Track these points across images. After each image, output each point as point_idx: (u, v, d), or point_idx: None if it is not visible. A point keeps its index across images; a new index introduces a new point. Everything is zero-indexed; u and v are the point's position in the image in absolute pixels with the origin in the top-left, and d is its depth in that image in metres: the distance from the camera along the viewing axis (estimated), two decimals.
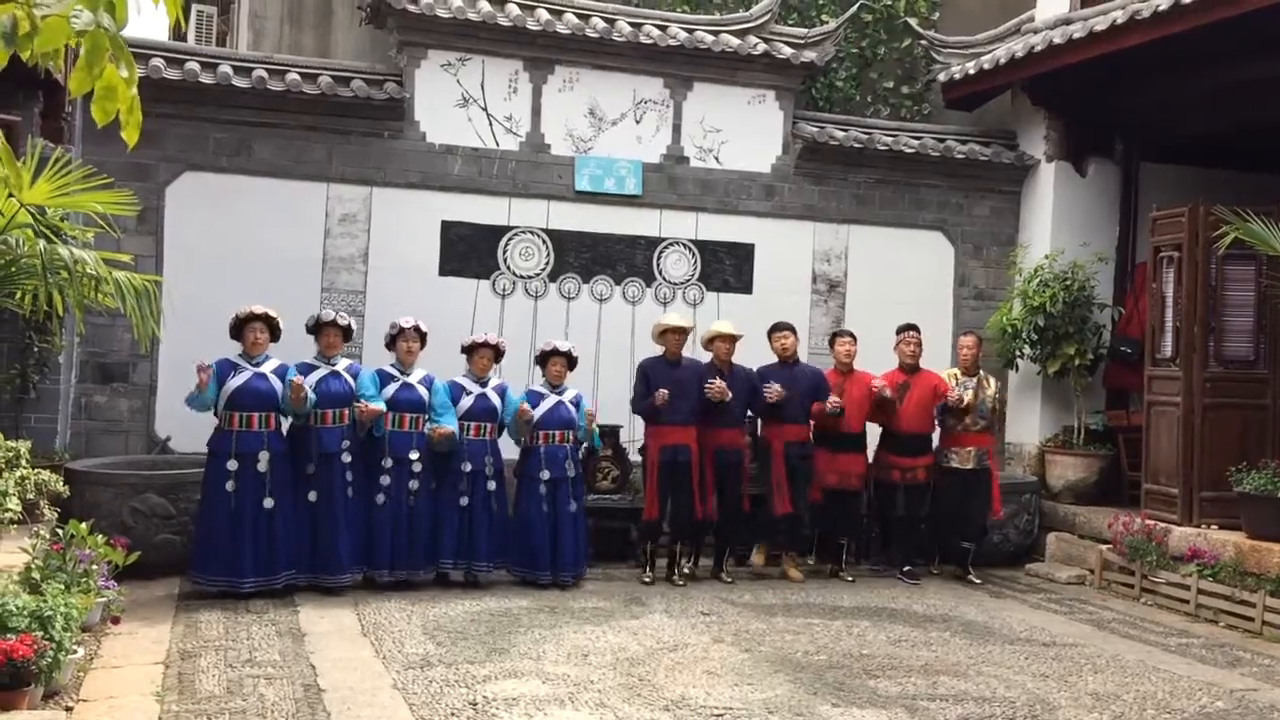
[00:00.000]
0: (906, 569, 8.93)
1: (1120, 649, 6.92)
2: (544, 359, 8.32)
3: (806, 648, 6.58)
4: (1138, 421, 9.61)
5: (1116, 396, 10.65)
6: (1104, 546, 9.00)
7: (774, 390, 8.39)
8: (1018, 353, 10.30)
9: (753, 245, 10.33)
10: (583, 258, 9.91)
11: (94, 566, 5.86)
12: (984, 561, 9.20)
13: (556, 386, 8.24)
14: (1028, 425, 10.63)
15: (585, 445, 8.43)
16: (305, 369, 7.63)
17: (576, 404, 8.23)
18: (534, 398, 8.16)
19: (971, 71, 10.72)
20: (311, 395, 7.37)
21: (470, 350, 8.12)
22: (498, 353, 8.19)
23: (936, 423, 9.07)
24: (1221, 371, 8.68)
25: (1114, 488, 10.08)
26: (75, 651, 5.08)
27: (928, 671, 6.18)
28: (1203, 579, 7.96)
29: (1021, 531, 9.69)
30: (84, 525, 6.00)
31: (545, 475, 7.96)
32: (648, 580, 8.23)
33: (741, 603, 7.79)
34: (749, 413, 8.73)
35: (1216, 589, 7.85)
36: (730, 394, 8.26)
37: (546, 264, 9.81)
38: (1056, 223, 10.65)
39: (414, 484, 7.73)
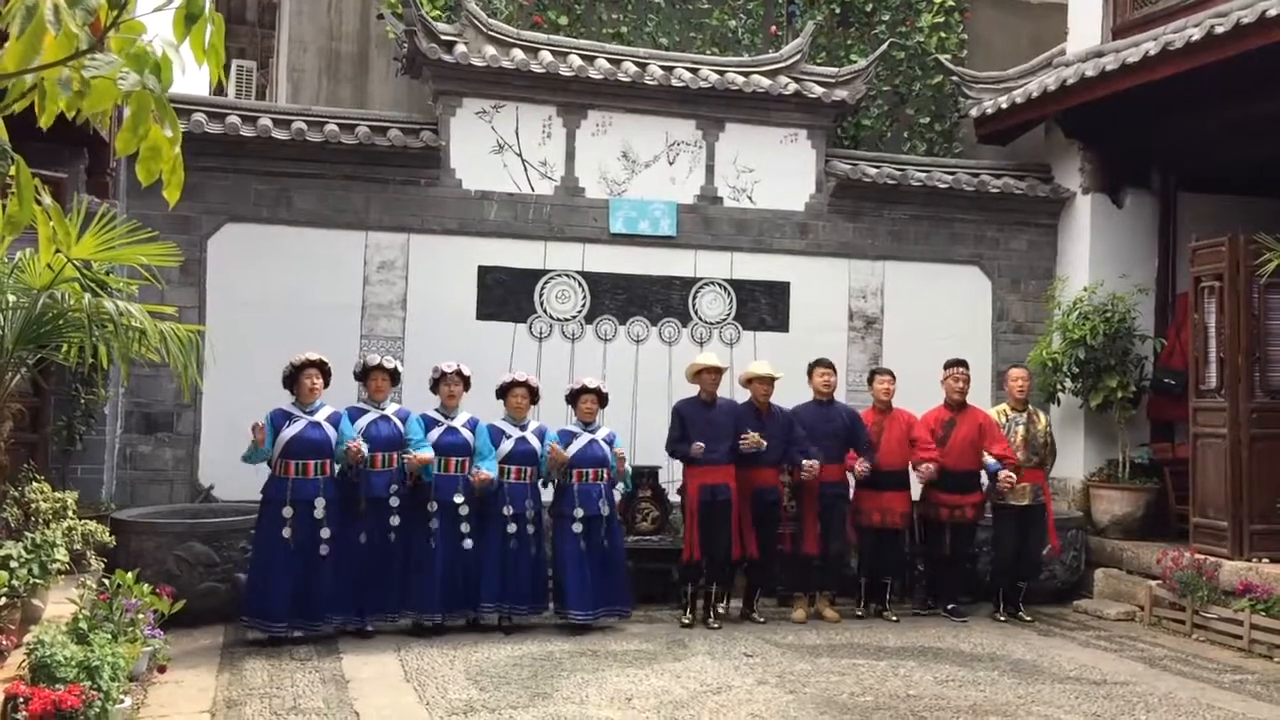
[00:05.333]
0: (951, 606, 8.83)
1: (1173, 687, 6.79)
2: (574, 397, 8.30)
3: (852, 689, 6.50)
4: (1183, 454, 9.48)
5: (1161, 429, 10.52)
6: (1153, 582, 8.85)
7: (751, 439, 8.20)
8: (1059, 386, 10.21)
9: (788, 283, 10.34)
10: (619, 299, 9.96)
11: (140, 616, 5.92)
12: (1031, 599, 9.06)
13: (589, 424, 8.24)
14: (1071, 459, 10.50)
15: (621, 488, 8.38)
16: (355, 413, 7.71)
17: (610, 442, 8.21)
18: (566, 437, 8.15)
19: (1004, 106, 10.71)
20: (366, 454, 7.43)
21: (505, 391, 8.13)
22: (533, 392, 8.17)
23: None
24: (1268, 402, 8.55)
25: (1161, 522, 9.94)
26: (122, 701, 5.11)
27: (976, 712, 6.08)
28: (1255, 614, 7.81)
29: (1068, 568, 9.54)
30: (130, 575, 6.07)
31: (579, 513, 7.93)
32: (686, 622, 8.18)
33: (785, 643, 7.72)
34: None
35: (1270, 624, 7.70)
36: (765, 443, 8.22)
37: (583, 306, 9.87)
38: (1094, 255, 10.59)
39: (463, 527, 7.76)
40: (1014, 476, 8.63)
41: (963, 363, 9.08)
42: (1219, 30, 8.32)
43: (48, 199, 2.93)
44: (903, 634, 8.17)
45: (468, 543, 7.74)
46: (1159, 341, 10.37)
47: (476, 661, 6.95)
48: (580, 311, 9.87)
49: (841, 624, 8.43)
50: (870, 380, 9.17)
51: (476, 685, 6.36)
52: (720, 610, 8.36)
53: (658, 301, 10.05)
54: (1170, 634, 8.41)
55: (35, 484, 6.68)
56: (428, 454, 7.61)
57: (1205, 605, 8.22)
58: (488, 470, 7.76)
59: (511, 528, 7.84)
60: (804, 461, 8.30)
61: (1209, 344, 8.85)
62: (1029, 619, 8.78)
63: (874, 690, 6.49)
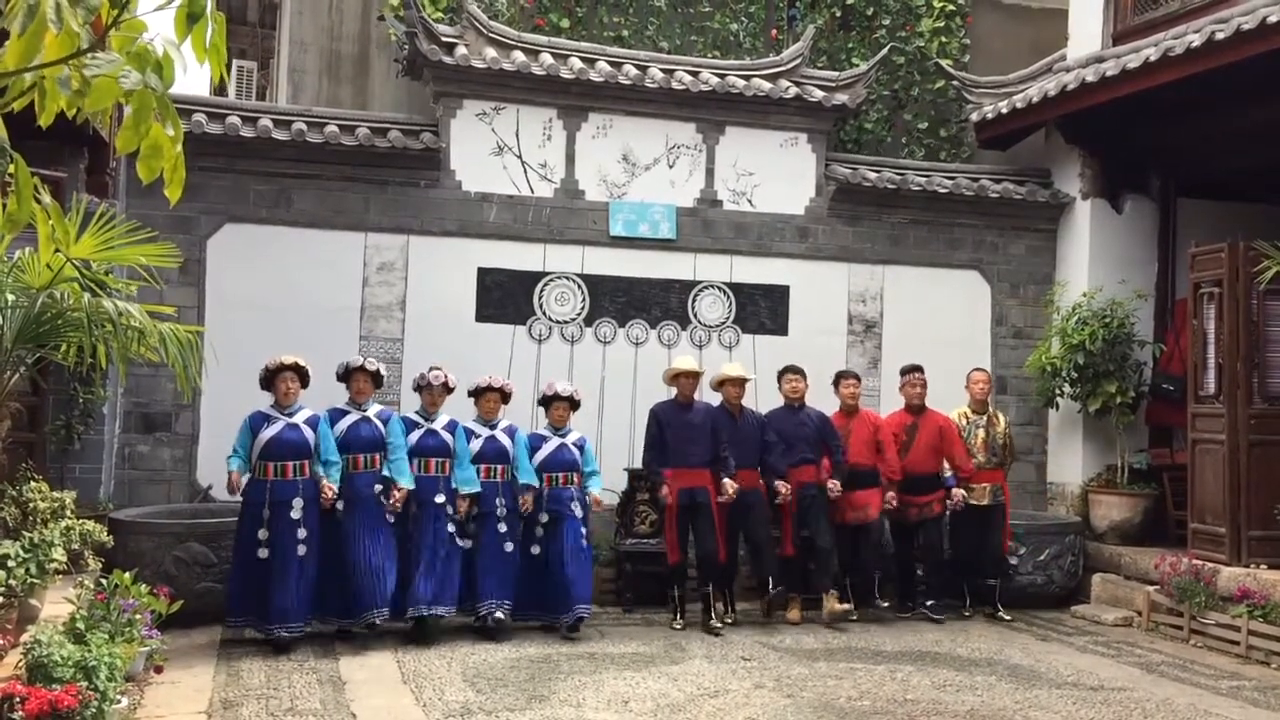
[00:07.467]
0: (930, 603, 8.87)
1: (1170, 693, 6.79)
2: (547, 403, 8.34)
3: (849, 693, 6.50)
4: (1182, 460, 9.48)
5: (1159, 434, 10.52)
6: (1151, 588, 8.85)
7: (784, 493, 8.41)
8: (1058, 391, 10.21)
9: (788, 287, 10.34)
10: (618, 302, 9.95)
11: (137, 616, 5.90)
12: (1028, 603, 9.08)
13: (559, 429, 8.26)
14: (1070, 465, 10.51)
15: (597, 481, 8.34)
16: (336, 415, 7.72)
17: (580, 446, 8.24)
18: (536, 440, 8.19)
19: (1004, 110, 10.72)
20: (334, 497, 7.43)
21: (477, 394, 8.15)
22: (504, 396, 8.21)
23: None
24: (1266, 408, 8.55)
25: (1160, 527, 9.94)
26: (119, 701, 5.10)
27: (973, 717, 6.08)
28: (1253, 620, 7.81)
29: (1066, 573, 9.54)
30: (127, 575, 6.06)
31: (544, 518, 7.97)
32: (678, 627, 8.17)
33: (783, 647, 7.72)
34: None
35: (1268, 630, 7.70)
36: (736, 495, 8.24)
37: (582, 309, 9.86)
38: (1094, 260, 10.59)
39: (444, 526, 7.74)
40: (966, 497, 8.84)
41: (919, 368, 9.17)
42: (1220, 36, 8.32)
43: (47, 198, 2.93)
44: (900, 638, 8.17)
45: (449, 542, 7.73)
46: (1158, 347, 10.37)
47: (474, 664, 6.94)
48: (579, 314, 9.86)
49: (838, 627, 8.42)
50: (835, 385, 9.18)
51: (474, 687, 6.36)
52: (729, 619, 8.36)
53: (657, 304, 10.05)
54: (1168, 640, 8.41)
55: (33, 483, 6.68)
56: (404, 489, 7.59)
57: (1203, 611, 8.23)
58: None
59: (481, 526, 7.85)
60: (778, 487, 8.37)
61: (1208, 350, 8.85)
62: (1008, 618, 8.83)
63: (871, 695, 6.49)
